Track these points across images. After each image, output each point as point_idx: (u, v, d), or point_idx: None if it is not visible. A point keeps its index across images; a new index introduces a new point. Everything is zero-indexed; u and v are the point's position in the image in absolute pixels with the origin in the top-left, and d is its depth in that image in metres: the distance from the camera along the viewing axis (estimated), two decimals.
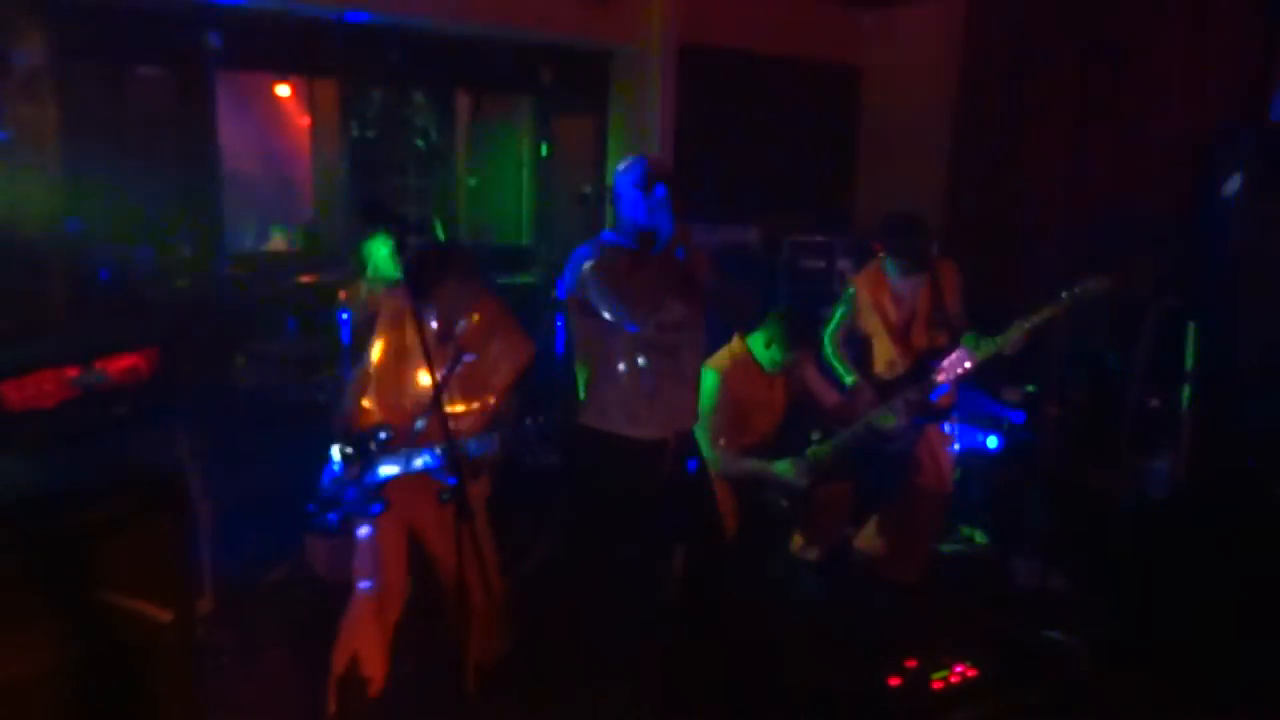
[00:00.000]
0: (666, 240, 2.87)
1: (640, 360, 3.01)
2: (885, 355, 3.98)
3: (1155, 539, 4.17)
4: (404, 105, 6.19)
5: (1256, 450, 4.14)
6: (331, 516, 2.94)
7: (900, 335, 3.96)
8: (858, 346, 4.08)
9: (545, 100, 6.58)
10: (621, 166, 3.05)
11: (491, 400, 2.91)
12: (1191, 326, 4.48)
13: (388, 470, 2.82)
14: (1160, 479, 4.39)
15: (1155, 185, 5.44)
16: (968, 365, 3.77)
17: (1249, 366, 4.42)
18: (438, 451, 2.73)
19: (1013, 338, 3.69)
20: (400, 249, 2.67)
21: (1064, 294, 3.63)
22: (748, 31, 6.71)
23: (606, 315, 2.92)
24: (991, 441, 4.70)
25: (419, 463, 2.77)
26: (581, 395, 3.10)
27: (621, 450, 3.03)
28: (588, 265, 2.98)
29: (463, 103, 6.55)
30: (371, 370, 2.98)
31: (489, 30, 5.85)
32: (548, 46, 6.21)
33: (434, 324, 2.88)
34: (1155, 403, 4.64)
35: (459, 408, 2.87)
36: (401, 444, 2.82)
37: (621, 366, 3.01)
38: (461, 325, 2.91)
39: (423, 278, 2.76)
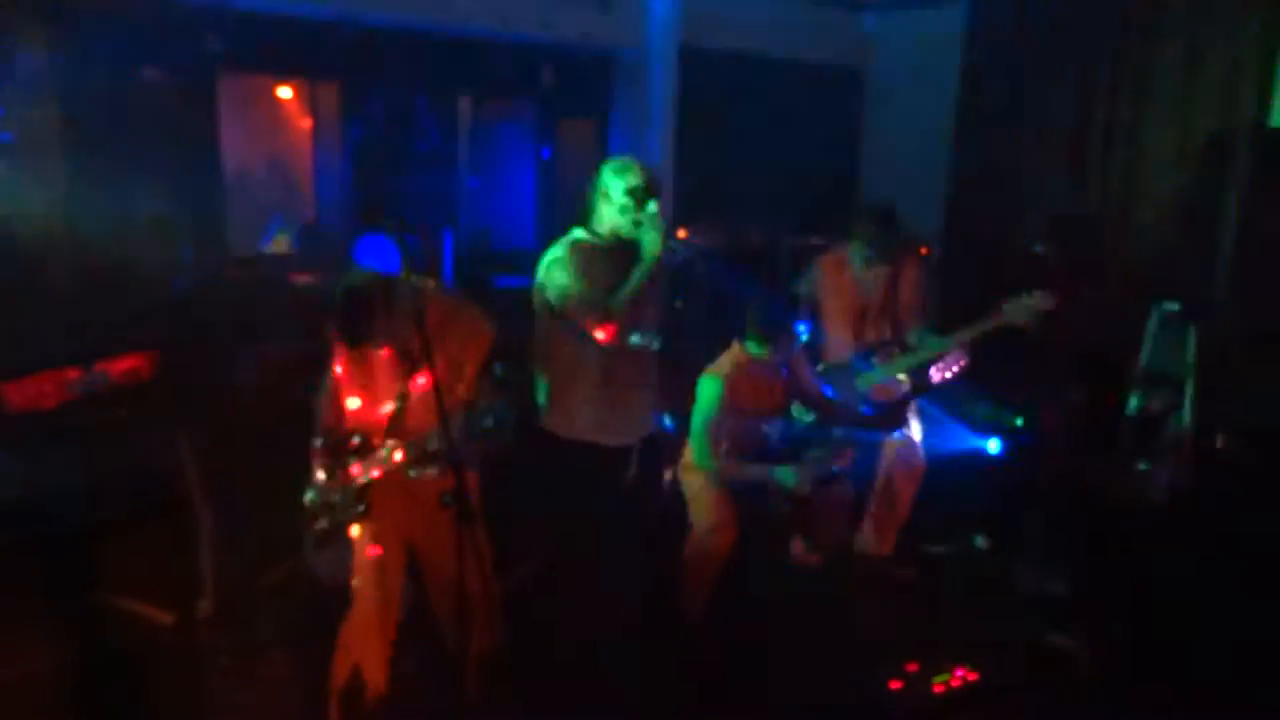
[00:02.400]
0: (655, 258, 2.86)
1: (611, 368, 2.99)
2: (836, 341, 4.01)
3: (1156, 542, 4.17)
4: (406, 107, 6.19)
5: (1256, 453, 4.14)
6: (319, 528, 2.92)
7: (853, 323, 3.98)
8: (816, 332, 4.10)
9: (547, 103, 6.59)
10: (614, 166, 2.99)
11: (462, 391, 2.86)
12: (1192, 330, 4.48)
13: (365, 472, 2.81)
14: (1161, 482, 4.39)
15: (1155, 187, 5.45)
16: (961, 365, 3.76)
17: (1249, 368, 4.42)
18: (406, 445, 2.70)
19: (951, 348, 3.70)
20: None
21: (1004, 307, 3.63)
22: (749, 34, 6.71)
23: (580, 326, 2.92)
24: (992, 445, 4.70)
25: (396, 456, 2.74)
26: (542, 399, 3.08)
27: (587, 457, 3.04)
28: (557, 259, 2.95)
29: (464, 105, 6.55)
30: (339, 383, 2.92)
31: (491, 33, 5.86)
32: (549, 49, 6.21)
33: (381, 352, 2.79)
34: (1156, 406, 4.64)
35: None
36: (373, 446, 2.78)
37: (591, 373, 2.99)
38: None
39: (352, 320, 2.66)
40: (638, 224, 2.89)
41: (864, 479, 4.13)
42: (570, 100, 6.59)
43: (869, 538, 4.18)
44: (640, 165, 2.98)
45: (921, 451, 4.10)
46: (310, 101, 6.30)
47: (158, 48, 4.96)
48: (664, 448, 3.66)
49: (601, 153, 6.73)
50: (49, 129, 4.66)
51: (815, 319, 4.10)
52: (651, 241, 2.86)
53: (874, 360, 3.90)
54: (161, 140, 5.06)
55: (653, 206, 2.89)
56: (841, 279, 4.00)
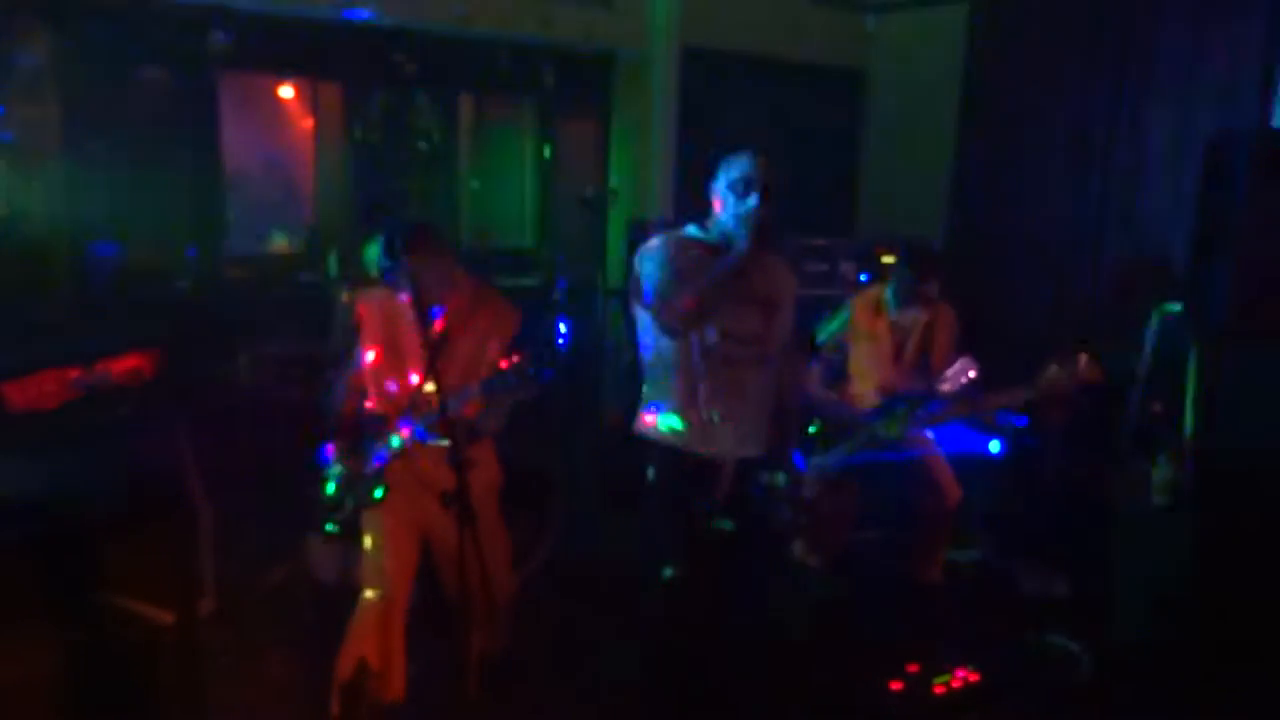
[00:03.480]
0: (739, 255, 2.68)
1: (699, 369, 2.79)
2: (861, 382, 3.95)
3: (1157, 544, 4.16)
4: (407, 107, 6.19)
5: (1259, 455, 4.13)
6: (336, 519, 2.96)
7: (882, 366, 3.92)
8: (839, 366, 4.03)
9: (548, 103, 6.59)
10: (727, 159, 2.82)
11: (485, 372, 2.88)
12: (1193, 330, 4.47)
13: (381, 454, 2.86)
14: (1161, 483, 4.38)
15: (1156, 188, 5.45)
16: (971, 374, 3.75)
17: (1251, 370, 4.41)
18: (421, 424, 2.75)
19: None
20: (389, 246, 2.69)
21: (1045, 375, 3.56)
22: (751, 34, 6.71)
23: (646, 301, 2.75)
24: (994, 446, 4.69)
25: (403, 436, 2.80)
26: (642, 399, 2.91)
27: (669, 463, 2.85)
28: (650, 248, 2.80)
29: (466, 105, 6.55)
30: (367, 371, 2.98)
31: (492, 33, 5.86)
32: (551, 49, 6.21)
33: (412, 302, 2.84)
34: (1157, 407, 4.63)
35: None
36: (392, 429, 2.84)
37: (677, 373, 2.81)
38: (440, 309, 2.83)
39: (396, 249, 2.73)
40: (737, 219, 2.71)
41: (892, 499, 4.09)
42: (570, 100, 6.59)
43: (916, 566, 4.09)
44: (751, 157, 2.77)
45: (947, 464, 4.05)
46: (312, 101, 6.30)
47: (158, 47, 4.96)
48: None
49: (603, 152, 6.73)
50: (49, 129, 4.66)
51: (841, 361, 3.99)
52: (740, 237, 2.68)
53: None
54: (162, 140, 5.06)
55: (752, 201, 2.69)
56: (876, 322, 3.90)
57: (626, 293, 2.96)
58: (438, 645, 3.05)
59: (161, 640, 2.55)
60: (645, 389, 2.92)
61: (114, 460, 2.90)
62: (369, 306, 2.98)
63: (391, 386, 2.93)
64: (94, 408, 3.14)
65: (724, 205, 2.77)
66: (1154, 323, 4.77)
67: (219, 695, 3.11)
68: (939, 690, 3.25)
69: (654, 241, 2.85)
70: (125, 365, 3.18)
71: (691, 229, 2.89)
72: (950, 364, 3.82)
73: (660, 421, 2.86)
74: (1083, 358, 3.54)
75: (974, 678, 3.30)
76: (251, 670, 3.40)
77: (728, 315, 2.77)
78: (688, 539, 2.87)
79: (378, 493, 2.85)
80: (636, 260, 2.85)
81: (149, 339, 3.42)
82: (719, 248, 2.77)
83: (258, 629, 3.62)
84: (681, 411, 2.83)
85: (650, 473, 2.92)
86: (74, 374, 3.07)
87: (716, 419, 2.82)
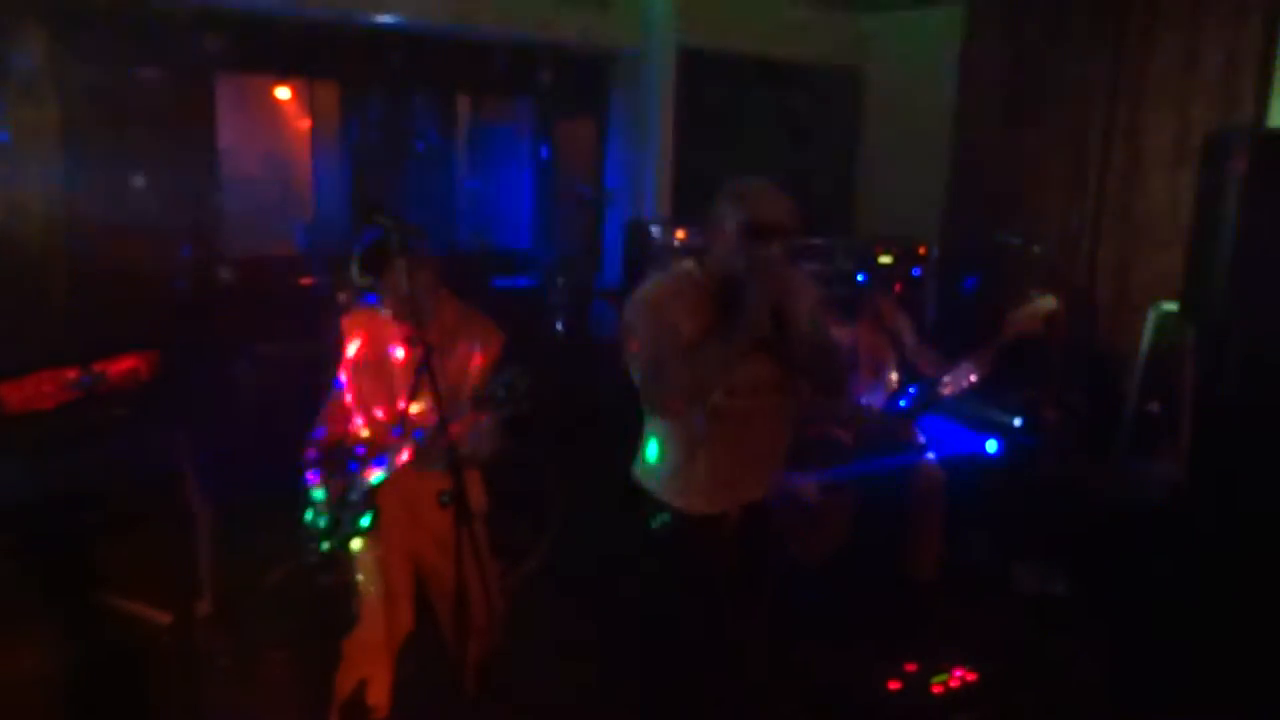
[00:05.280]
0: (751, 310, 2.26)
1: (697, 429, 2.42)
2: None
3: (1155, 543, 4.17)
4: (404, 107, 6.19)
5: (1257, 454, 4.14)
6: (323, 546, 2.92)
7: (862, 379, 3.95)
8: None
9: (545, 103, 6.59)
10: (731, 188, 2.38)
11: (470, 392, 2.82)
12: (1190, 329, 4.48)
13: (370, 479, 2.80)
14: (1160, 482, 4.39)
15: (1154, 187, 5.45)
16: (973, 378, 3.76)
17: (1248, 369, 4.42)
18: (389, 454, 2.69)
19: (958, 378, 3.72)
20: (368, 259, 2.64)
21: (1009, 318, 3.63)
22: (748, 34, 6.72)
23: (635, 380, 2.41)
24: (991, 445, 4.70)
25: (403, 457, 2.72)
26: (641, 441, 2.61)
27: (670, 518, 2.55)
28: (638, 304, 2.40)
29: (463, 105, 6.55)
30: (347, 388, 2.93)
31: (489, 33, 5.86)
32: (548, 49, 6.21)
33: (389, 314, 2.77)
34: (1154, 406, 4.64)
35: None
36: (380, 449, 2.78)
37: (675, 436, 2.46)
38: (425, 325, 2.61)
39: (373, 259, 2.65)
40: (748, 268, 2.28)
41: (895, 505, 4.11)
42: (569, 100, 6.59)
43: (910, 564, 4.12)
44: (764, 190, 2.36)
45: (936, 464, 4.08)
46: (309, 101, 6.30)
47: (156, 48, 4.96)
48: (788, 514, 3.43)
49: (600, 153, 6.73)
50: (48, 129, 4.65)
51: None
52: (753, 294, 2.23)
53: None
54: (160, 140, 5.06)
55: (773, 250, 2.28)
56: None
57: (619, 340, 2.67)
58: (437, 647, 3.05)
59: (159, 641, 2.55)
60: (644, 432, 2.58)
61: (112, 460, 2.90)
62: (354, 324, 2.90)
63: (377, 410, 2.88)
64: (91, 408, 3.14)
65: (731, 247, 2.33)
66: (1152, 322, 4.78)
67: (216, 696, 3.11)
68: (937, 690, 3.25)
69: (649, 290, 2.46)
70: (122, 366, 3.18)
71: (690, 267, 2.48)
72: (911, 331, 3.94)
73: (656, 477, 2.56)
74: (1042, 300, 3.62)
75: (972, 677, 3.30)
76: (249, 672, 3.40)
77: (734, 372, 2.36)
78: (690, 603, 2.65)
79: (364, 521, 2.79)
80: (631, 311, 2.45)
81: (147, 340, 3.43)
82: (718, 293, 2.37)
83: (256, 630, 3.62)
84: (680, 474, 2.50)
85: (649, 521, 2.61)
86: (71, 375, 3.07)
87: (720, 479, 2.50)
